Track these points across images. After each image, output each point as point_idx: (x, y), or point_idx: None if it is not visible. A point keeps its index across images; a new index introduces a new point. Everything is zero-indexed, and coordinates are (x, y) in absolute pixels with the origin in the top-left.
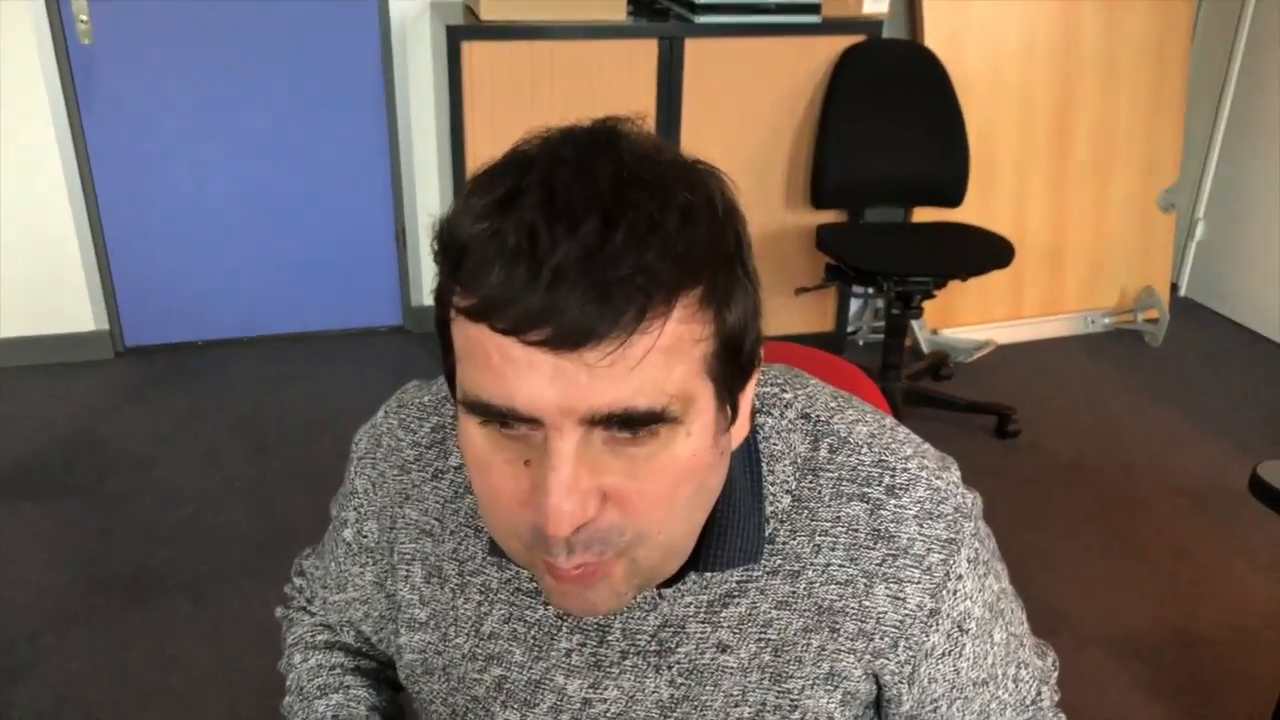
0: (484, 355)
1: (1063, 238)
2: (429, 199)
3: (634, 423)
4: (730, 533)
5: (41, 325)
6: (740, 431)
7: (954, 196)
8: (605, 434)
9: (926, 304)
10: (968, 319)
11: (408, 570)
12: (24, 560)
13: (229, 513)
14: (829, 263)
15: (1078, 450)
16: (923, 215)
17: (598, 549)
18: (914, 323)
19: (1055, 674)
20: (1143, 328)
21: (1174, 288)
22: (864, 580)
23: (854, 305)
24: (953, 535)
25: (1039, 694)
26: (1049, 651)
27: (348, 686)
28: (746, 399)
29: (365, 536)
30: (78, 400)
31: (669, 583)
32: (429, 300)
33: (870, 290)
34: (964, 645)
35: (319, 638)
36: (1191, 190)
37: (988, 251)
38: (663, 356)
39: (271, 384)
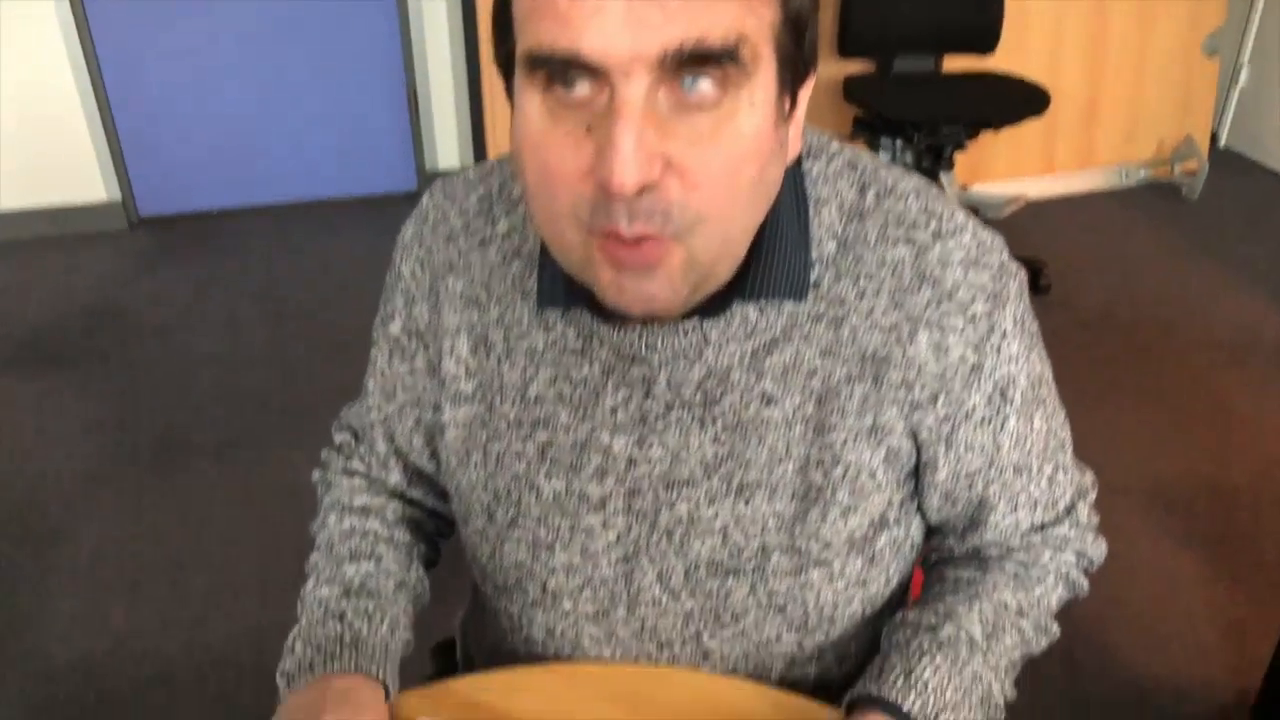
0: (550, 3)
1: (1099, 86)
2: (440, 61)
3: (706, 60)
4: (777, 260)
5: (53, 196)
6: (795, 143)
7: (987, 42)
8: (671, 94)
9: (957, 157)
10: (998, 173)
11: (454, 343)
12: (51, 427)
13: (252, 379)
14: (857, 115)
15: (1110, 305)
16: (954, 65)
17: (659, 220)
18: (944, 176)
19: (1093, 494)
20: (1180, 180)
21: (1213, 138)
22: (908, 326)
23: (882, 159)
24: (998, 289)
25: (1074, 505)
26: (1089, 471)
27: (379, 557)
28: (803, 102)
29: (414, 320)
30: (95, 271)
31: (714, 313)
32: (443, 164)
33: (899, 143)
34: (1007, 417)
35: (357, 501)
36: (1236, 35)
37: (1021, 99)
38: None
39: (288, 252)
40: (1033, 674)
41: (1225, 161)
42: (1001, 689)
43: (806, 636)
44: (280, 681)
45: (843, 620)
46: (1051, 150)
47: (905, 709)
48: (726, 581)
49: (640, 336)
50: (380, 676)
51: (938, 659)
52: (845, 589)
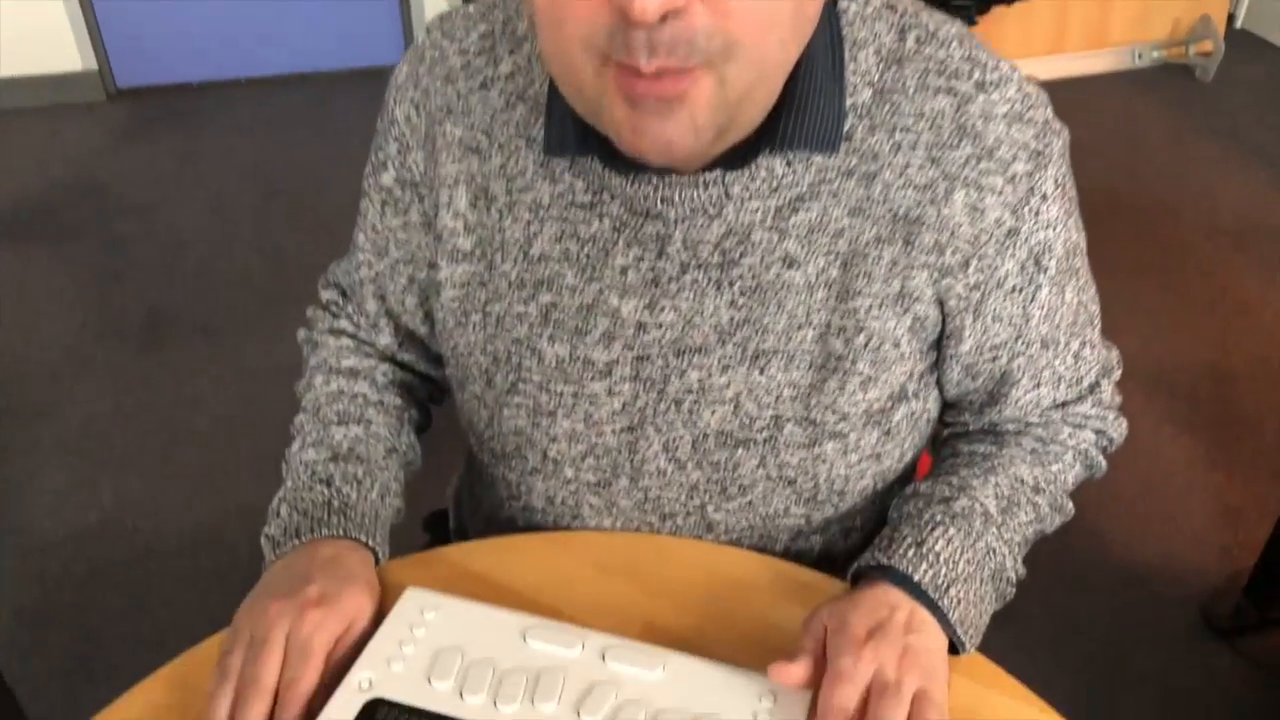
0: None
1: None
2: None
3: None
4: (810, 108)
5: (24, 65)
6: None
7: None
8: None
9: None
10: (1008, 53)
11: (451, 195)
12: (34, 303)
13: (239, 257)
14: None
15: (1116, 188)
16: None
17: (683, 52)
18: None
19: (1118, 372)
20: (1194, 61)
21: (1230, 19)
22: (944, 184)
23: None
24: (1041, 148)
25: (1098, 384)
26: (1115, 349)
27: (368, 421)
28: None
29: (409, 169)
30: (73, 143)
31: (737, 165)
32: None
33: None
34: (1039, 286)
35: (345, 363)
36: None
37: None
38: None
39: (273, 127)
40: (1025, 561)
41: (1241, 43)
42: (1014, 564)
43: (815, 510)
44: (265, 546)
45: (852, 494)
46: (1063, 29)
47: (916, 579)
48: (735, 453)
49: (655, 190)
50: (370, 544)
51: (950, 530)
52: (858, 462)
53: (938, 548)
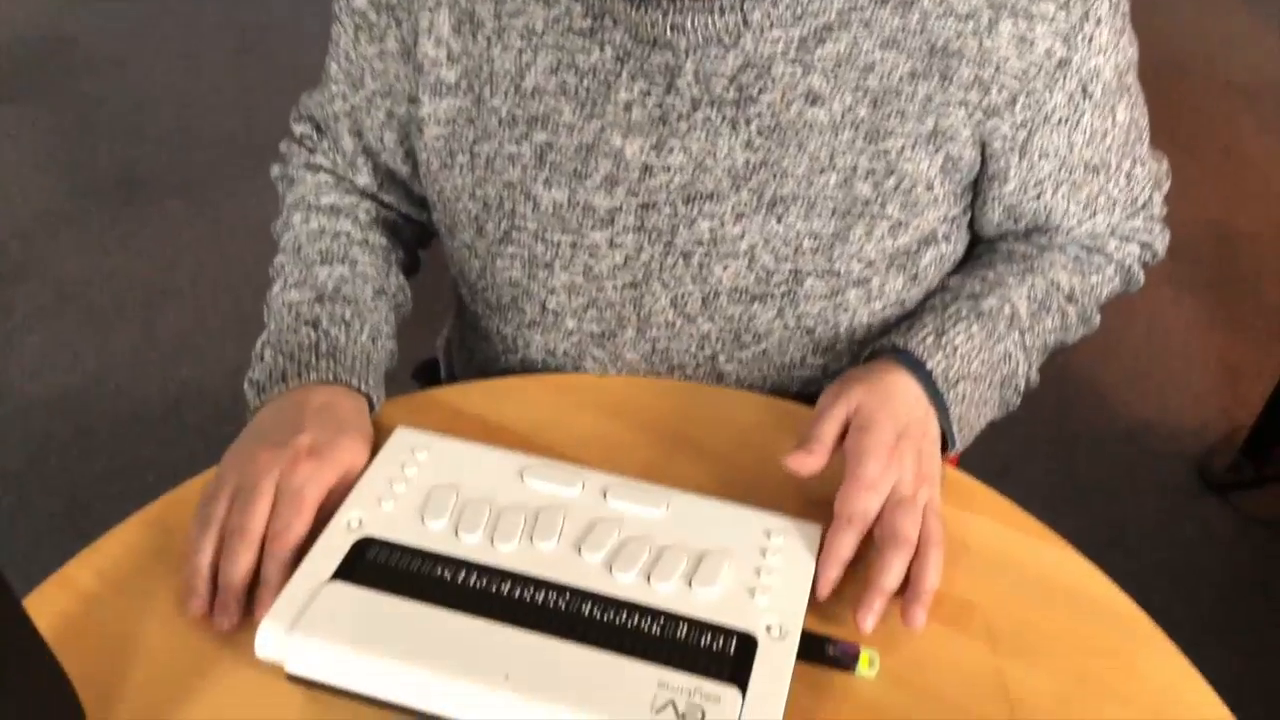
0: None
1: None
2: None
3: None
4: None
5: None
6: None
7: None
8: None
9: None
10: None
11: (431, 19)
12: (3, 163)
13: (214, 115)
14: None
15: None
16: None
17: None
18: None
19: (1167, 184)
20: None
21: None
22: (989, 12)
23: None
24: None
25: (1150, 199)
26: (1164, 159)
27: (354, 261)
28: None
29: None
30: None
31: None
32: None
33: None
34: (1083, 114)
35: (324, 200)
36: None
37: None
38: None
39: None
40: (1022, 412)
41: None
42: (1027, 371)
43: (832, 360)
44: (249, 392)
45: (873, 342)
46: None
47: (928, 367)
48: (750, 307)
49: (664, 15)
50: (362, 388)
51: (974, 327)
52: (882, 310)
53: (957, 341)
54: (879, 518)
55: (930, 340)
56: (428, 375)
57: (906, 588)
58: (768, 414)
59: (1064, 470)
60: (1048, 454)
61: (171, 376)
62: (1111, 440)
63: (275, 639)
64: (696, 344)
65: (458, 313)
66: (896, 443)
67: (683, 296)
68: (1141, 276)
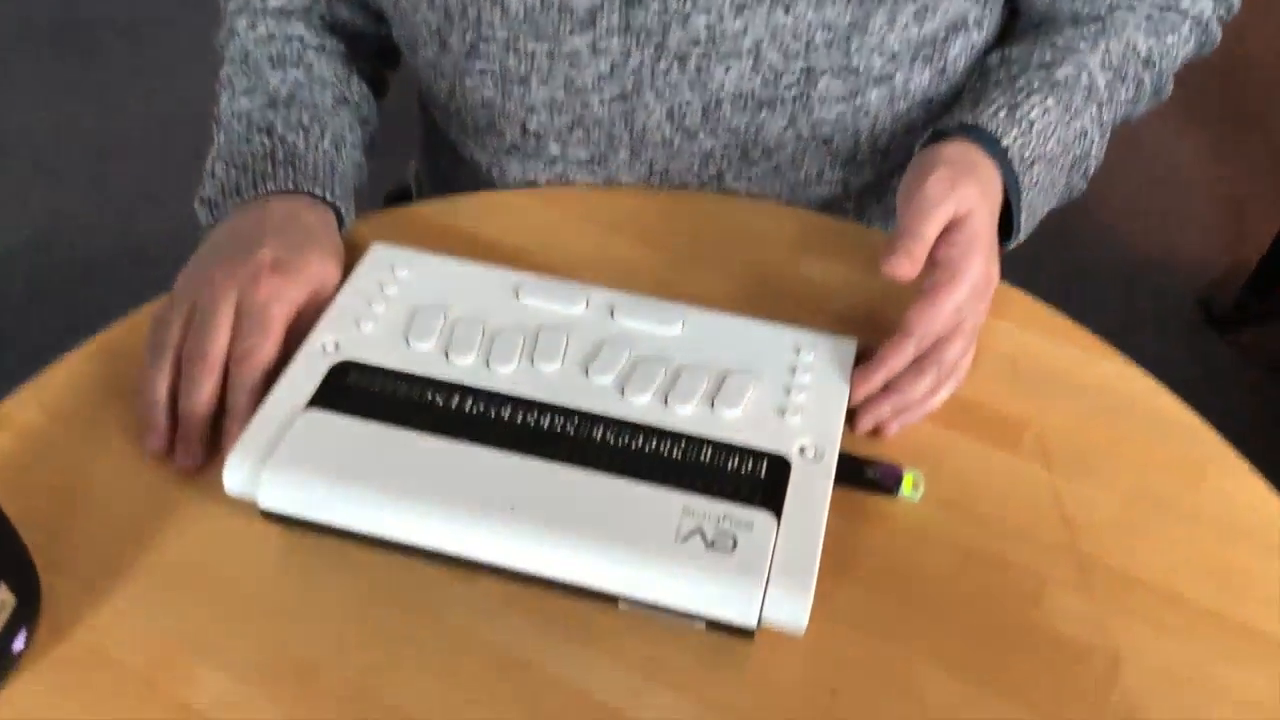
0: None
1: None
2: None
3: None
4: None
5: None
6: None
7: None
8: None
9: None
10: None
11: None
12: None
13: None
14: None
15: None
16: None
17: None
18: None
19: None
20: None
21: None
22: None
23: None
24: None
25: None
26: None
27: (310, 65)
28: None
29: None
30: None
31: None
32: None
33: None
34: None
35: (272, 2)
36: None
37: None
38: None
39: None
40: (1023, 247)
41: None
42: (1099, 153)
43: (853, 173)
44: (200, 211)
45: (898, 152)
46: None
47: (1004, 144)
48: (758, 115)
49: None
50: (328, 197)
51: (1049, 100)
52: (907, 111)
53: (1033, 115)
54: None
55: (1003, 115)
56: (401, 202)
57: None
58: (789, 224)
59: (1062, 306)
60: (1045, 288)
61: (129, 229)
62: (1112, 275)
63: (246, 471)
64: (699, 163)
65: (428, 140)
66: (989, 277)
67: (680, 107)
68: (1218, 34)
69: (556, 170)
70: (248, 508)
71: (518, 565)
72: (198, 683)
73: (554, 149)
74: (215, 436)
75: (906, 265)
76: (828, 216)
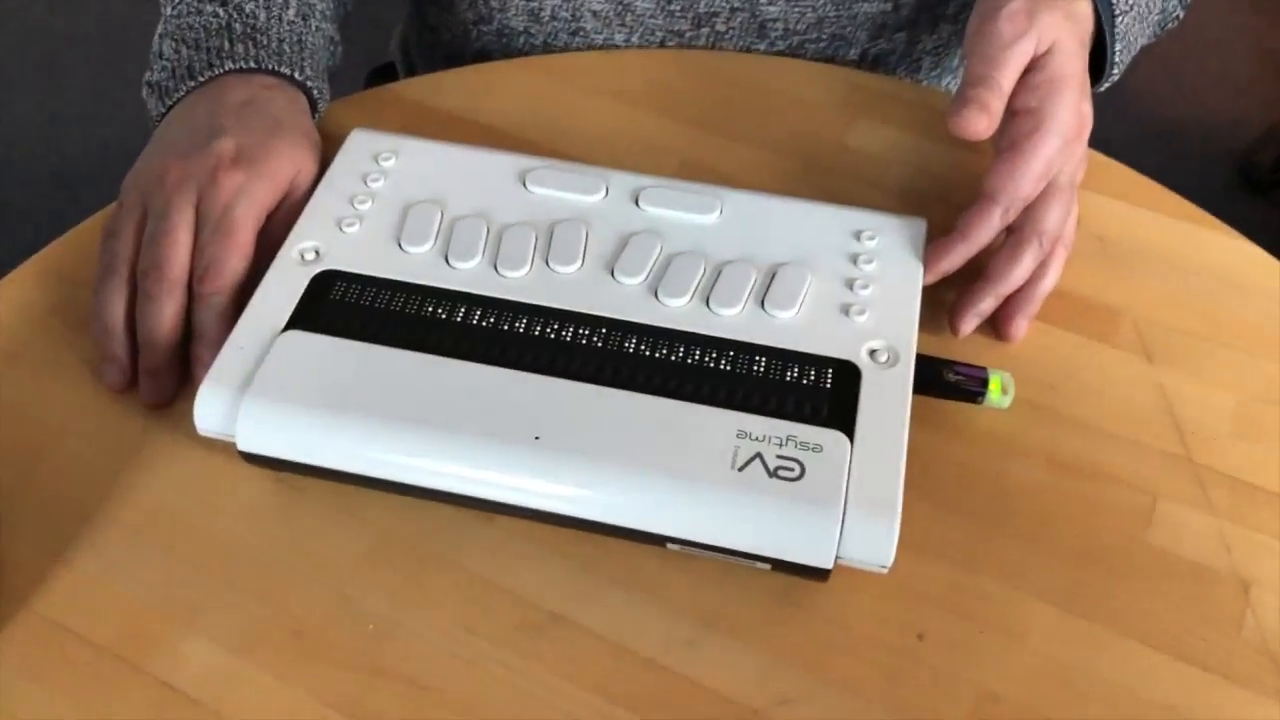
0: None
1: None
2: None
3: None
4: None
5: None
6: None
7: None
8: None
9: None
10: None
11: None
12: None
13: None
14: None
15: None
16: None
17: None
18: None
19: None
20: None
21: None
22: None
23: None
24: None
25: None
26: None
27: None
28: None
29: None
30: None
31: None
32: None
33: None
34: None
35: None
36: None
37: None
38: None
39: None
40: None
41: None
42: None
43: None
44: (149, 99)
45: None
46: None
47: None
48: None
49: None
50: (297, 76)
51: None
52: None
53: None
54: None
55: None
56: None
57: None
58: (836, 87)
59: None
60: None
61: (91, 137)
62: (1144, 143)
63: (219, 409)
64: None
65: None
66: (1081, 121)
67: None
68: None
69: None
70: (229, 447)
71: (545, 506)
72: (181, 657)
73: None
74: (186, 363)
75: (982, 120)
76: (873, 75)
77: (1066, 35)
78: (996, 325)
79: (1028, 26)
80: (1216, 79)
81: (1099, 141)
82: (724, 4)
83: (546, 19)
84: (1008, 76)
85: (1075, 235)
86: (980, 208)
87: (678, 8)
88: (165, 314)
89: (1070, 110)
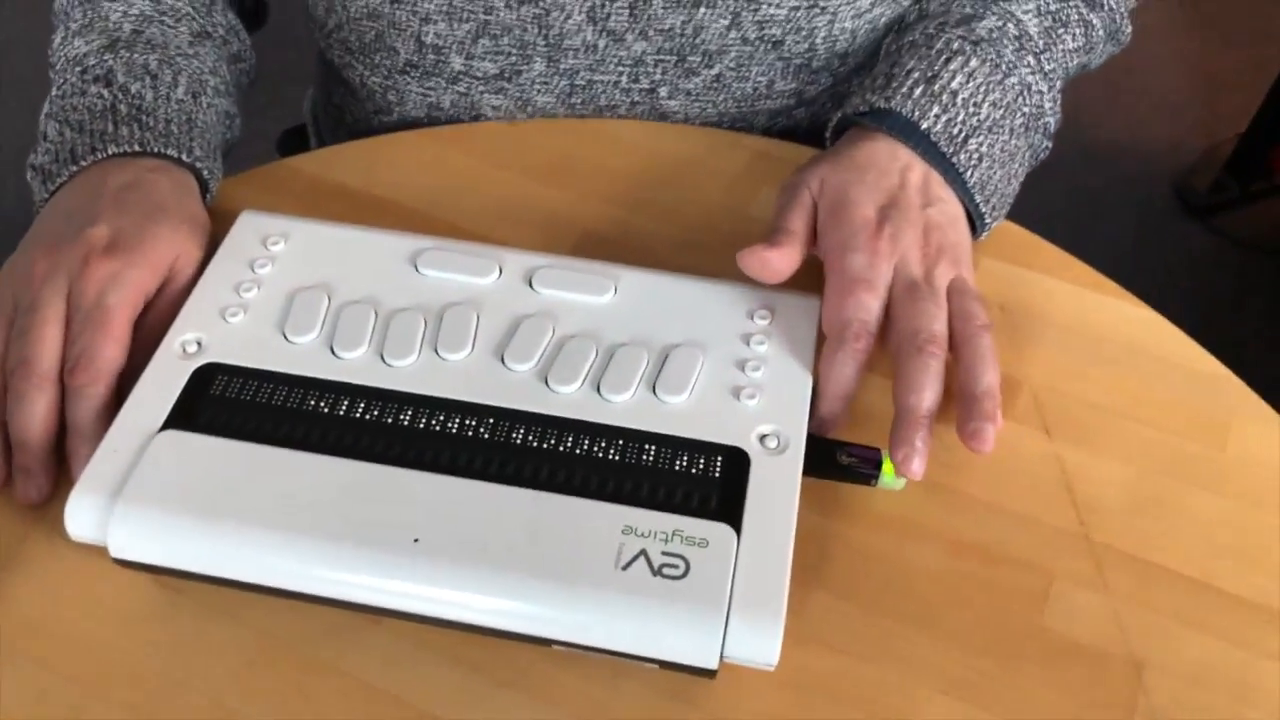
0: None
1: None
2: None
3: None
4: None
5: None
6: None
7: None
8: None
9: None
10: None
11: None
12: None
13: None
14: None
15: None
16: None
17: None
18: None
19: None
20: None
21: None
22: None
23: None
24: None
25: None
26: None
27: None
28: None
29: None
30: None
31: None
32: None
33: None
34: None
35: None
36: None
37: None
38: None
39: None
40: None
41: None
42: (1053, 107)
43: (808, 83)
44: (33, 182)
45: (860, 53)
46: None
47: (923, 126)
48: (696, 13)
49: None
50: (184, 158)
51: (972, 62)
52: (870, 8)
53: (954, 85)
54: (889, 313)
55: (919, 91)
56: (296, 145)
57: (957, 399)
58: (740, 155)
59: (1033, 199)
60: None
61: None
62: (1082, 163)
63: (92, 514)
64: (628, 74)
65: (320, 67)
66: (882, 218)
67: (602, 6)
68: None
69: (460, 89)
70: (105, 551)
71: (426, 611)
72: None
73: (457, 63)
74: (64, 458)
75: (765, 254)
76: (783, 142)
77: (836, 173)
78: (963, 441)
79: (800, 176)
80: (1154, 100)
81: (1040, 164)
82: (624, 97)
83: (446, 112)
84: (793, 219)
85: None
86: (827, 350)
87: (578, 100)
88: (36, 411)
89: (858, 225)
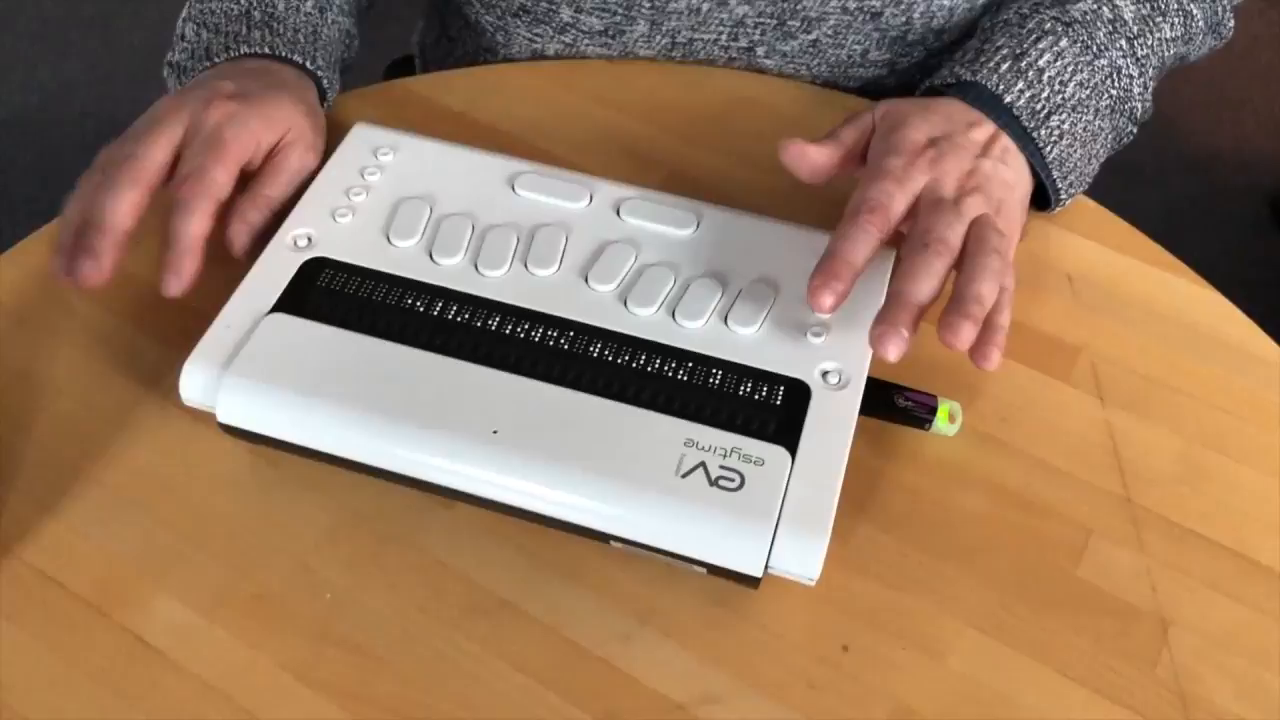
0: None
1: None
2: None
3: None
4: None
5: None
6: None
7: None
8: None
9: None
10: None
11: None
12: None
13: None
14: None
15: None
16: None
17: None
18: None
19: None
20: None
21: None
22: None
23: None
24: None
25: None
26: None
27: None
28: None
29: None
30: None
31: None
32: None
33: None
34: None
35: None
36: None
37: None
38: None
39: None
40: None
41: None
42: (1142, 93)
43: (901, 54)
44: (169, 78)
45: (956, 30)
46: None
47: (1006, 100)
48: None
49: None
50: (308, 65)
51: (1062, 42)
52: None
53: (1041, 63)
54: (909, 219)
55: (1006, 66)
56: (403, 73)
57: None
58: (829, 111)
59: (1123, 206)
60: (1105, 188)
61: (143, 93)
62: (1177, 172)
63: (203, 380)
64: (728, 34)
65: (431, 5)
66: (928, 145)
67: None
68: None
69: (566, 39)
70: (212, 418)
71: (498, 497)
72: (151, 611)
73: (566, 14)
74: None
75: (802, 149)
76: (868, 101)
77: (902, 104)
78: (970, 356)
79: (867, 110)
80: (1256, 112)
81: (1132, 166)
82: (722, 52)
83: (551, 57)
84: (844, 131)
85: (1038, 272)
86: (843, 221)
87: (678, 55)
88: (122, 197)
89: (903, 141)
